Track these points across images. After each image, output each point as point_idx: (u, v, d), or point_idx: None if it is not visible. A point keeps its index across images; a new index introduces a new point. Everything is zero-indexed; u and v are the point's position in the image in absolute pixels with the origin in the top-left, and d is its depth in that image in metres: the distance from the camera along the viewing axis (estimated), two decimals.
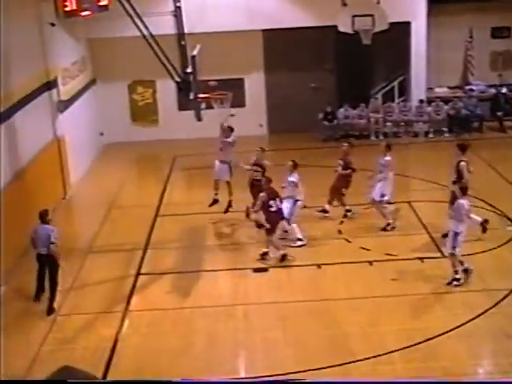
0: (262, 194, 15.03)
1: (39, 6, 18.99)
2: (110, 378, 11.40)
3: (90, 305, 13.84)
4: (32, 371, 11.65)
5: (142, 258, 15.75)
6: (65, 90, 20.38)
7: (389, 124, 24.21)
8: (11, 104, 16.32)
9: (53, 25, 19.43)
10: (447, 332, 12.13)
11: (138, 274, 15.05)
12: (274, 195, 15.10)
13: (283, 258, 15.13)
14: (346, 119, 24.24)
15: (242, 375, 11.66)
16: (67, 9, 19.64)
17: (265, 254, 15.27)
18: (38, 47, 18.88)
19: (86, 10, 19.94)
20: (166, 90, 23.62)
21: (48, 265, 13.65)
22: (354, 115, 24.27)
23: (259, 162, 16.79)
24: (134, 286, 14.52)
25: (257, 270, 14.88)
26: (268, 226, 15.00)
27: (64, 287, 14.37)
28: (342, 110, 24.32)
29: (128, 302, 13.89)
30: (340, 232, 16.52)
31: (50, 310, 13.52)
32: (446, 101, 24.33)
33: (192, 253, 16.09)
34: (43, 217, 13.73)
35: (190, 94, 16.25)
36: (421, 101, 24.17)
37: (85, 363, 11.68)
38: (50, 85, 19.24)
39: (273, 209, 15.00)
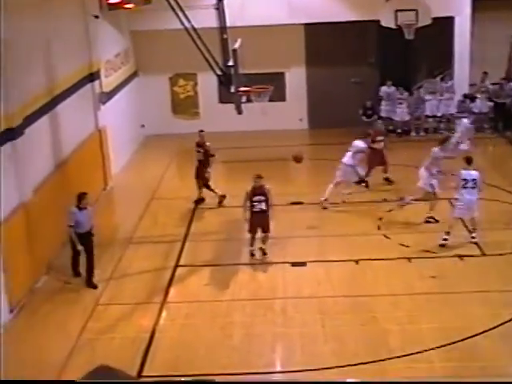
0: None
1: None
2: (146, 369, 11.50)
3: (128, 295, 13.98)
4: (71, 360, 11.79)
5: (181, 250, 15.86)
6: (107, 82, 20.56)
7: (430, 120, 23.97)
8: (55, 95, 16.52)
9: (96, 17, 19.60)
10: (487, 331, 12.00)
11: (177, 265, 15.15)
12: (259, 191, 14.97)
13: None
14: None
15: (278, 369, 11.69)
16: (111, 1, 19.85)
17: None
18: (82, 39, 19.06)
19: (129, 3, 20.12)
20: (207, 83, 23.68)
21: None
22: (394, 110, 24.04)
23: (201, 143, 18.16)
24: (172, 278, 14.62)
25: (295, 264, 14.88)
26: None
27: (104, 277, 14.59)
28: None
29: (166, 294, 13.99)
30: (379, 228, 16.43)
31: (89, 284, 14.33)
32: (489, 97, 24.00)
33: (230, 245, 16.15)
34: (79, 200, 14.22)
35: (231, 87, 16.28)
36: (464, 95, 23.84)
37: (122, 353, 11.87)
38: (93, 76, 19.42)
39: (255, 208, 14.97)
